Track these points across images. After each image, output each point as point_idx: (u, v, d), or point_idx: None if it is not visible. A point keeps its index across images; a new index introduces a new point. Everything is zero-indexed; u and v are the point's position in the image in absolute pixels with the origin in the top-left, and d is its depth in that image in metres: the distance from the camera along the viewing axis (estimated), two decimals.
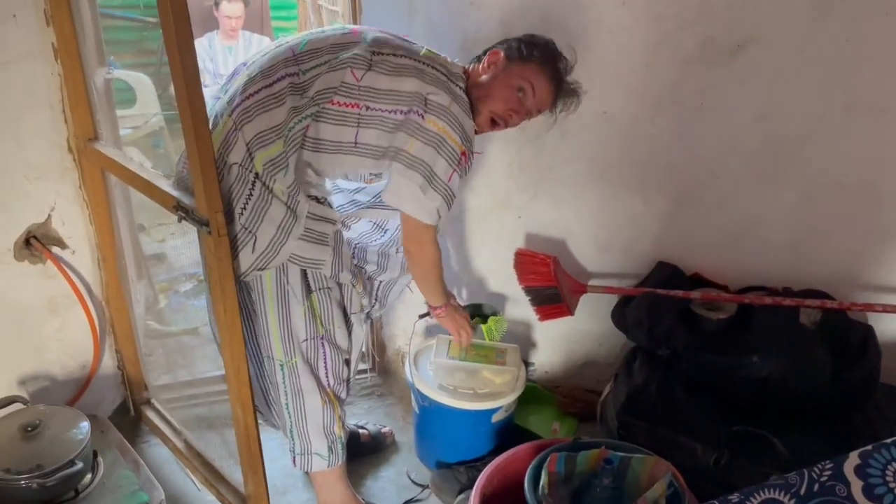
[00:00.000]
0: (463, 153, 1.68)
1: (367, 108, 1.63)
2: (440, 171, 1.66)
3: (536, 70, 1.77)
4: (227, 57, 4.44)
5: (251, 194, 1.59)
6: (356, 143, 1.65)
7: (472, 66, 1.84)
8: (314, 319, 1.78)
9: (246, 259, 1.63)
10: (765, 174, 2.05)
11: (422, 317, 2.12)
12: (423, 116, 1.64)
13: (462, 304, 2.13)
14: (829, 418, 1.85)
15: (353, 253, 1.99)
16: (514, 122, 1.82)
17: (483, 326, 2.15)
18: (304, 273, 1.72)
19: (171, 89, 4.15)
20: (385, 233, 2.00)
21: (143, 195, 1.78)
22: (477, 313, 2.17)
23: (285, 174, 1.61)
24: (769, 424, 1.81)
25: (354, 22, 2.20)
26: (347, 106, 1.63)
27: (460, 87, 1.73)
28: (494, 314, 2.17)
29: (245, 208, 1.59)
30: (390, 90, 1.64)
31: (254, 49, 4.49)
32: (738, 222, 2.13)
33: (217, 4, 4.36)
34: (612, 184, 2.19)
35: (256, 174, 1.58)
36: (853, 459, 1.21)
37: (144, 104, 3.82)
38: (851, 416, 1.87)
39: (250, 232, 1.61)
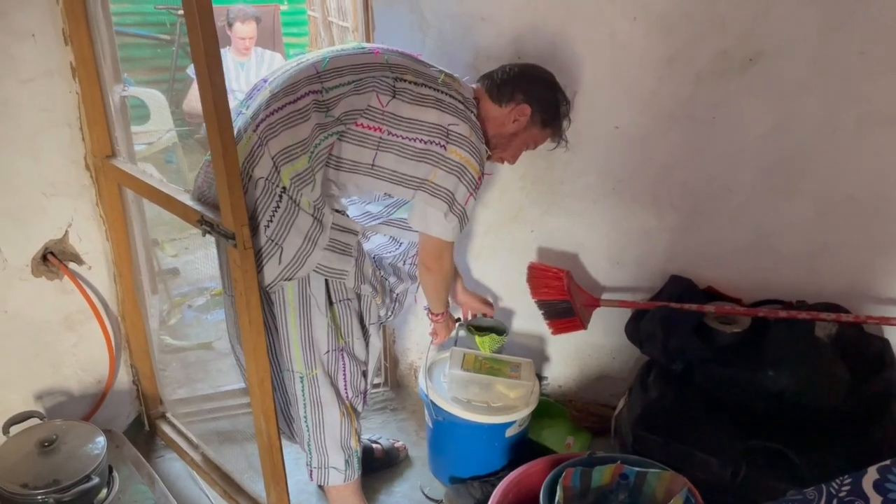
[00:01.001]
0: (479, 177, 1.76)
1: (389, 132, 1.67)
2: (460, 196, 1.72)
3: (549, 135, 1.92)
4: (239, 73, 4.47)
5: (278, 207, 1.60)
6: (373, 165, 1.69)
7: (481, 86, 1.86)
8: (335, 331, 1.79)
9: (272, 270, 1.64)
10: (778, 187, 2.05)
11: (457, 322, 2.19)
12: (445, 147, 1.69)
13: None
14: (846, 433, 1.83)
15: (375, 264, 2.01)
16: None
17: (476, 338, 2.17)
18: (327, 284, 1.74)
19: (184, 105, 4.15)
20: (400, 245, 2.04)
21: (163, 210, 1.80)
22: (478, 325, 2.20)
23: (312, 189, 1.63)
24: (786, 439, 1.80)
25: (367, 38, 2.22)
26: (370, 129, 1.66)
27: (475, 114, 1.78)
28: (496, 331, 2.18)
29: (272, 221, 1.61)
30: (412, 119, 1.67)
31: (265, 65, 4.52)
32: (751, 235, 2.13)
33: (230, 24, 4.39)
34: (625, 198, 2.19)
35: (284, 188, 1.60)
36: (871, 475, 1.20)
37: (158, 120, 3.85)
38: (869, 431, 1.85)
39: (276, 244, 1.62)
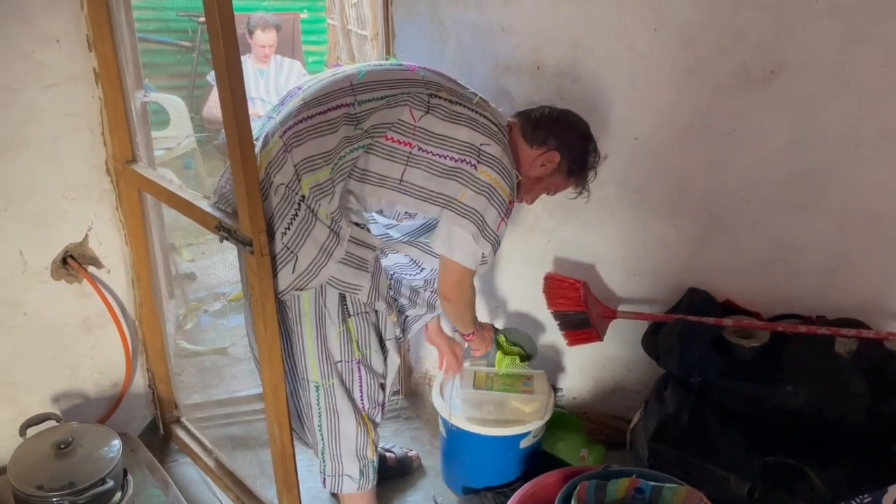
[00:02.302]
0: (510, 202, 1.73)
1: (420, 148, 1.65)
2: (490, 220, 1.69)
3: (571, 185, 1.93)
4: (258, 80, 4.51)
5: (296, 215, 1.61)
6: (401, 180, 1.67)
7: (518, 119, 1.85)
8: (350, 343, 1.79)
9: (285, 278, 1.64)
10: (798, 201, 2.03)
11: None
12: (475, 167, 1.67)
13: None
14: (866, 450, 1.80)
15: (390, 284, 2.01)
16: None
17: (499, 354, 2.17)
18: (342, 297, 1.74)
19: (204, 111, 4.17)
20: (421, 270, 2.00)
21: (180, 215, 1.82)
22: (509, 337, 2.20)
23: (330, 200, 1.63)
24: (804, 455, 1.77)
25: (387, 47, 2.23)
26: (400, 143, 1.65)
27: (507, 139, 1.77)
28: (524, 351, 2.18)
29: (289, 228, 1.61)
30: (444, 136, 1.66)
31: (284, 73, 4.56)
32: (770, 249, 2.11)
33: (251, 32, 4.43)
34: (642, 209, 2.18)
35: (303, 196, 1.60)
36: (892, 494, 1.19)
37: (177, 126, 3.88)
38: (889, 448, 1.83)
39: (292, 252, 1.62)
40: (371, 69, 1.73)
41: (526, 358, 2.19)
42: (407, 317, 2.08)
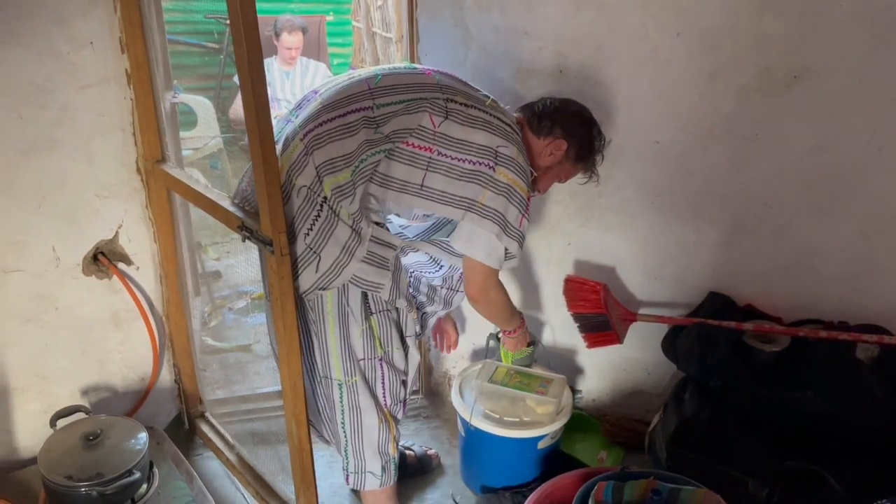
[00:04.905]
0: (528, 198, 1.77)
1: (439, 153, 1.68)
2: (512, 218, 1.74)
3: (580, 170, 1.97)
4: (284, 82, 4.56)
5: (318, 216, 1.64)
6: (422, 185, 1.70)
7: (522, 115, 1.89)
8: (373, 340, 1.81)
9: (309, 278, 1.67)
10: (821, 206, 2.02)
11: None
12: (493, 168, 1.70)
13: None
14: (886, 456, 1.79)
15: (410, 282, 2.04)
16: None
17: (501, 348, 2.20)
18: (364, 295, 1.77)
19: (230, 112, 4.21)
20: (440, 268, 2.05)
21: (207, 214, 1.85)
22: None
23: (351, 202, 1.66)
24: (824, 461, 1.77)
25: (411, 50, 2.26)
26: (420, 148, 1.68)
27: (520, 137, 1.81)
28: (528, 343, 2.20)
29: (311, 229, 1.64)
30: (462, 140, 1.69)
31: (310, 74, 4.61)
32: (792, 254, 2.10)
33: (278, 35, 4.49)
34: (663, 212, 2.19)
35: (325, 197, 1.63)
36: None
37: (204, 126, 3.94)
38: None
39: (315, 252, 1.65)
40: (388, 73, 1.76)
41: (530, 344, 2.19)
42: (425, 313, 2.11)
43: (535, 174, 1.87)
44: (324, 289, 1.70)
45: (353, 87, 1.71)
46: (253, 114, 1.41)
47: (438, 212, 1.75)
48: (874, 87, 1.86)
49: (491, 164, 1.70)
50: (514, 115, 1.89)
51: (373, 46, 5.69)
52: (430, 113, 1.68)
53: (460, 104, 1.71)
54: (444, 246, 1.94)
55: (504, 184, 1.71)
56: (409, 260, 2.04)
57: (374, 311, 1.79)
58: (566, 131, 1.86)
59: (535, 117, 1.87)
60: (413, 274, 2.08)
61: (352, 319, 1.77)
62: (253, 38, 1.36)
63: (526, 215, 1.76)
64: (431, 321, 2.18)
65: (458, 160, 1.69)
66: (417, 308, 2.06)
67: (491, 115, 1.74)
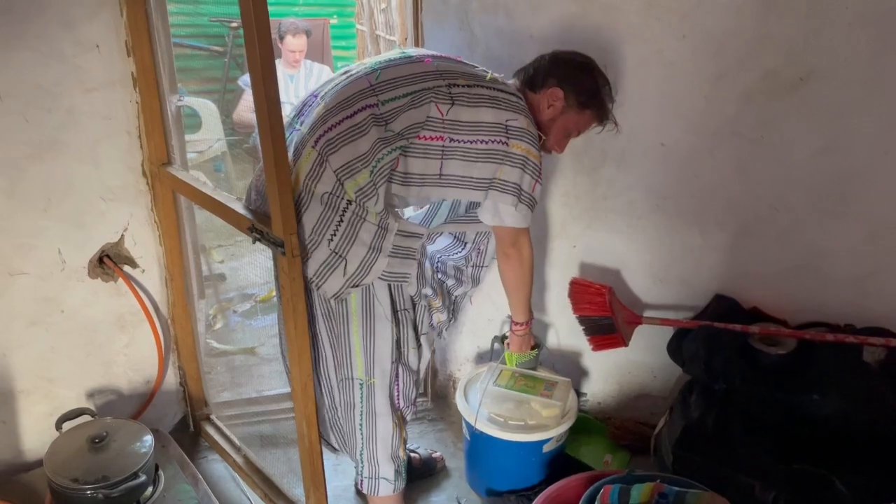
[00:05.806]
0: (540, 162, 1.79)
1: (451, 139, 1.69)
2: (526, 185, 1.76)
3: (590, 118, 1.89)
4: (288, 85, 4.56)
5: (342, 220, 1.64)
6: (441, 175, 1.72)
7: (517, 80, 1.88)
8: (393, 341, 1.82)
9: (336, 282, 1.67)
10: (827, 209, 2.02)
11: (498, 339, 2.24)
12: (507, 143, 1.72)
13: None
14: (893, 460, 1.79)
15: (436, 267, 2.05)
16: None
17: (506, 352, 2.19)
18: (390, 294, 1.77)
19: (234, 114, 4.21)
20: (465, 246, 2.08)
21: (212, 216, 1.86)
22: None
23: (376, 202, 1.66)
24: (830, 464, 1.76)
25: None
26: (432, 139, 1.69)
27: (525, 103, 1.80)
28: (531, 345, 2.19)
29: (335, 234, 1.64)
30: (471, 121, 1.70)
31: (314, 77, 4.61)
32: (798, 256, 2.09)
33: (282, 38, 4.49)
34: (669, 215, 2.18)
35: (349, 201, 1.63)
36: None
37: (209, 129, 3.94)
38: None
39: (340, 256, 1.65)
40: (385, 66, 1.74)
41: (534, 346, 2.19)
42: (456, 297, 2.12)
43: (543, 135, 1.85)
44: (355, 286, 1.70)
45: (354, 85, 1.71)
46: (265, 115, 1.42)
47: (462, 196, 1.78)
48: (880, 89, 1.86)
49: (503, 139, 1.72)
50: (510, 81, 1.87)
51: (376, 49, 5.71)
52: (436, 102, 1.68)
53: (463, 86, 1.72)
54: (468, 219, 1.98)
55: (519, 155, 1.73)
56: (436, 246, 2.05)
57: (398, 308, 1.80)
58: (559, 79, 1.83)
59: (529, 76, 1.87)
60: (440, 258, 2.09)
61: (376, 318, 1.77)
62: (265, 38, 1.36)
63: (539, 180, 1.78)
64: (463, 303, 2.19)
65: (471, 142, 1.70)
66: (449, 293, 2.07)
67: (494, 89, 1.74)
